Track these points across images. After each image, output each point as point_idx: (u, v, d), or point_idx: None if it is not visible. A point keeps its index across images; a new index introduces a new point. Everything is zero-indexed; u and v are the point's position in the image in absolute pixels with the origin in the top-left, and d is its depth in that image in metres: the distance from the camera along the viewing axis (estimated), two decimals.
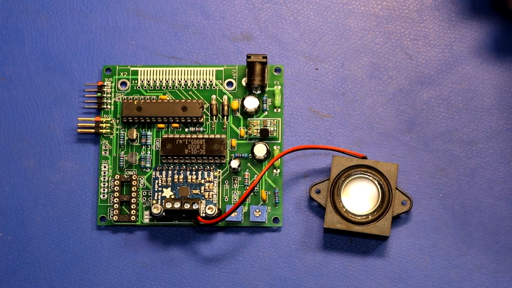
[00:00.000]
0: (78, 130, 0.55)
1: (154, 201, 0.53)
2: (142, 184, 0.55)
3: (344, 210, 0.52)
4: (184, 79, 0.55)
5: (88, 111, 0.56)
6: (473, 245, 0.53)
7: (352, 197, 0.53)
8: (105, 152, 0.55)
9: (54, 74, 0.56)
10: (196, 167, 0.54)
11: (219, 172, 0.54)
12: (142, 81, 0.56)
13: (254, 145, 0.54)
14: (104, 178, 0.55)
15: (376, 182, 0.52)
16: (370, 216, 0.52)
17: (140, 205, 0.54)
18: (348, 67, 0.56)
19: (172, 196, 0.53)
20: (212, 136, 0.54)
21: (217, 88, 0.55)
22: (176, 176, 0.54)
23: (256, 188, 0.54)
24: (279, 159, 0.54)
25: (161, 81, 0.55)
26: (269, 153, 0.54)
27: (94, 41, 0.57)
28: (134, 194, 0.54)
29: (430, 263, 0.53)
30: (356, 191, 0.53)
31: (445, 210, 0.54)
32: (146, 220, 0.54)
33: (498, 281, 0.53)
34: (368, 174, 0.52)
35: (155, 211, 0.52)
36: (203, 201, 0.53)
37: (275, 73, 0.55)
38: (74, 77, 0.56)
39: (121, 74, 0.56)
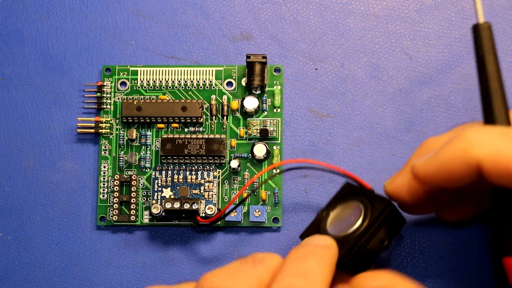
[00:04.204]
0: (78, 130, 0.55)
1: (154, 201, 0.53)
2: (141, 184, 0.55)
3: (323, 228, 0.47)
4: (184, 79, 0.55)
5: (87, 111, 0.56)
6: (475, 246, 0.53)
7: (338, 219, 0.48)
8: (104, 152, 0.55)
9: (54, 74, 0.56)
10: (196, 167, 0.54)
11: (219, 172, 0.54)
12: (142, 81, 0.56)
13: (253, 145, 0.54)
14: (104, 178, 0.55)
15: (363, 211, 0.47)
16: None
17: (139, 205, 0.55)
18: (348, 67, 0.56)
19: (172, 196, 0.53)
20: (212, 136, 0.54)
21: (217, 88, 0.55)
22: (175, 176, 0.54)
23: (255, 188, 0.54)
24: (278, 159, 0.54)
25: (160, 81, 0.56)
26: (268, 153, 0.54)
27: (94, 41, 0.57)
28: (134, 194, 0.54)
29: (429, 264, 0.53)
30: (344, 214, 0.48)
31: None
32: (146, 220, 0.54)
33: None
34: (363, 202, 0.48)
35: (154, 211, 0.53)
36: (203, 201, 0.53)
37: (274, 73, 0.55)
38: (73, 77, 0.56)
39: (121, 74, 0.56)
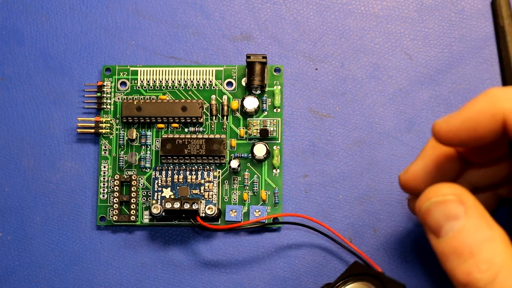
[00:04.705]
0: (78, 130, 0.55)
1: (154, 201, 0.53)
2: (142, 184, 0.55)
3: None
4: (184, 79, 0.56)
5: (87, 111, 0.56)
6: None
7: None
8: (104, 152, 0.55)
9: (54, 74, 0.56)
10: (196, 167, 0.54)
11: (219, 172, 0.54)
12: (142, 81, 0.56)
13: (253, 145, 0.54)
14: (104, 178, 0.55)
15: None
16: None
17: (140, 205, 0.55)
18: (348, 67, 0.56)
19: (172, 196, 0.53)
20: (212, 136, 0.54)
21: (217, 88, 0.55)
22: (176, 176, 0.54)
23: (255, 188, 0.54)
24: (279, 159, 0.54)
25: (161, 81, 0.56)
26: (268, 153, 0.54)
27: (94, 41, 0.57)
28: (134, 194, 0.54)
29: (428, 263, 0.53)
30: None
31: None
32: (146, 220, 0.54)
33: None
34: (375, 285, 0.47)
35: (154, 211, 0.52)
36: (203, 201, 0.53)
37: (274, 73, 0.55)
38: (73, 77, 0.56)
39: (121, 74, 0.56)
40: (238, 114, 0.55)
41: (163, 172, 0.54)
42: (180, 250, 0.54)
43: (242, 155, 0.55)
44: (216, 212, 0.52)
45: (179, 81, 0.55)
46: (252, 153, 0.54)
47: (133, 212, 0.54)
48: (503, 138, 0.40)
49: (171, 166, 0.54)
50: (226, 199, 0.54)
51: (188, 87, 0.55)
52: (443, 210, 0.39)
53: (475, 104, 0.40)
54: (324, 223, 0.53)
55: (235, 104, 0.55)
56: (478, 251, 0.37)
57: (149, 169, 0.55)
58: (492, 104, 0.40)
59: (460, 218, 0.38)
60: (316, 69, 0.56)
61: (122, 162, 0.55)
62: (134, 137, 0.55)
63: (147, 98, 0.55)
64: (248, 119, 0.55)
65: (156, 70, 0.56)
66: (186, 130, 0.55)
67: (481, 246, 0.37)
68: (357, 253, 0.53)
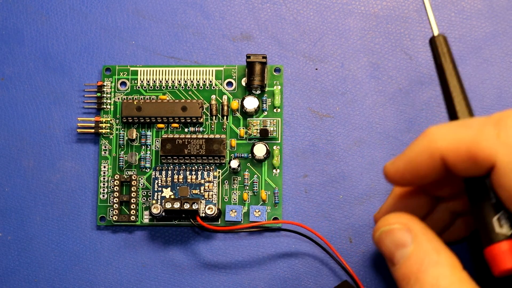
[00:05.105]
0: (78, 130, 0.55)
1: (154, 201, 0.53)
2: (141, 184, 0.55)
3: None
4: (184, 79, 0.56)
5: (87, 111, 0.56)
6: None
7: None
8: (104, 152, 0.55)
9: (54, 74, 0.56)
10: (196, 167, 0.54)
11: (219, 172, 0.54)
12: (142, 81, 0.56)
13: (253, 145, 0.54)
14: (104, 178, 0.55)
15: None
16: None
17: (139, 205, 0.55)
18: (348, 67, 0.56)
19: (172, 196, 0.53)
20: (212, 136, 0.54)
21: (217, 88, 0.55)
22: (175, 176, 0.54)
23: (255, 188, 0.54)
24: (279, 159, 0.54)
25: (160, 81, 0.56)
26: (268, 153, 0.54)
27: (94, 41, 0.57)
28: (133, 194, 0.54)
29: None
30: None
31: None
32: (146, 220, 0.54)
33: None
34: None
35: (154, 211, 0.53)
36: (203, 201, 0.53)
37: (274, 73, 0.55)
38: (73, 77, 0.56)
39: (121, 74, 0.56)
40: (238, 114, 0.55)
41: (163, 172, 0.54)
42: (180, 250, 0.54)
43: (242, 155, 0.55)
44: (216, 212, 0.52)
45: (179, 81, 0.55)
46: (252, 153, 0.54)
47: (133, 212, 0.54)
48: (452, 174, 0.41)
49: (171, 166, 0.54)
50: (226, 199, 0.54)
51: (188, 87, 0.55)
52: (392, 239, 0.41)
53: (415, 145, 0.42)
54: (319, 233, 0.53)
55: (235, 104, 0.55)
56: (423, 276, 0.39)
57: (149, 169, 0.55)
58: (429, 144, 0.41)
59: (408, 245, 0.40)
60: (316, 69, 0.56)
61: (122, 162, 0.55)
62: (134, 137, 0.55)
63: (147, 98, 0.55)
64: (248, 119, 0.55)
65: (156, 70, 0.56)
66: (186, 130, 0.55)
67: (426, 271, 0.39)
68: (347, 269, 0.53)
